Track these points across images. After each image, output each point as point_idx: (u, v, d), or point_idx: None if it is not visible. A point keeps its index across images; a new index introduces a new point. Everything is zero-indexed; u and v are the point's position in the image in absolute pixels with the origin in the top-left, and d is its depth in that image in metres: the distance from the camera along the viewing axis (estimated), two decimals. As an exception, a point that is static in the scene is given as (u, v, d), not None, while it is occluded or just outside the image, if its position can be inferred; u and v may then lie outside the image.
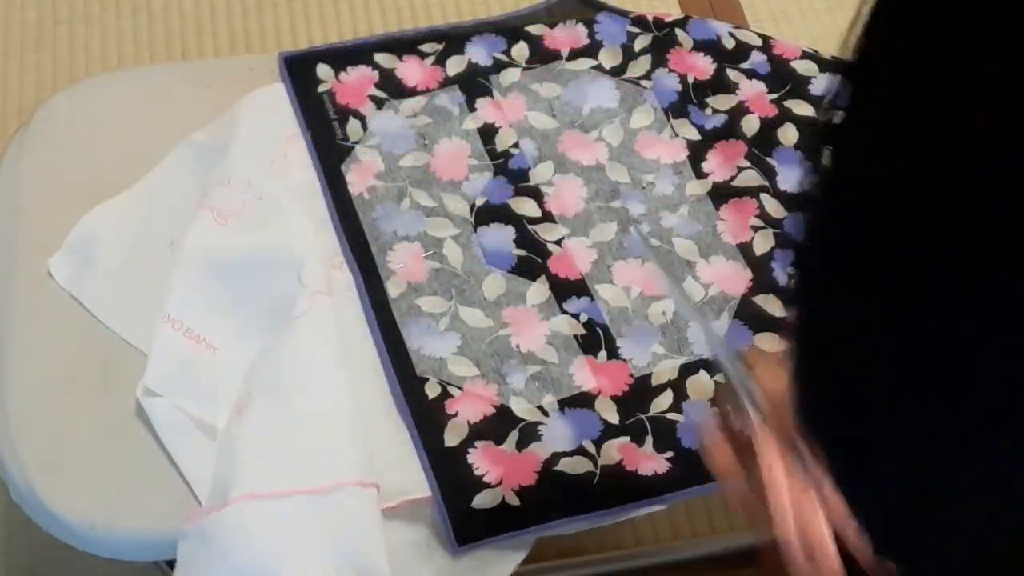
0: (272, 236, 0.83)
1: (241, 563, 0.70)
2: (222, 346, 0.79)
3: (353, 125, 0.92)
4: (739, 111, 0.94)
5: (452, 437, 0.77)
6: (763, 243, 0.87)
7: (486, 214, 0.88)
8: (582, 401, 0.79)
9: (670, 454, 0.77)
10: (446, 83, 0.94)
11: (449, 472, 0.76)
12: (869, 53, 0.31)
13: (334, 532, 0.70)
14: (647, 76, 0.96)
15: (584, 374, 0.81)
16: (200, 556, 0.71)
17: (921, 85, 0.29)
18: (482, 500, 0.74)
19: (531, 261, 0.86)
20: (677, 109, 0.94)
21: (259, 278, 0.81)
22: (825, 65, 0.97)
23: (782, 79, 0.96)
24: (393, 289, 0.84)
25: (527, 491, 0.75)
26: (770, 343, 0.82)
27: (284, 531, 0.70)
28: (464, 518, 0.74)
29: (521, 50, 0.97)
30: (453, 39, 0.97)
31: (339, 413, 0.76)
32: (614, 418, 0.79)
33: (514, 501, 0.74)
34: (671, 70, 0.96)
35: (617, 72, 0.96)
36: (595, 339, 0.82)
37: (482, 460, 0.76)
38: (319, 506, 0.71)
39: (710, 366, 0.81)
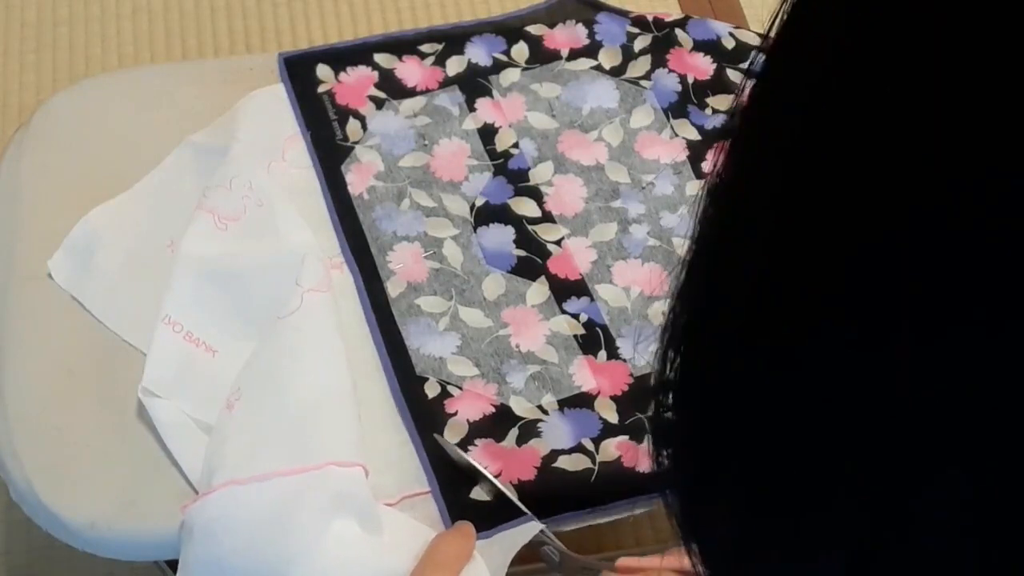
0: (272, 242, 0.83)
1: (226, 549, 0.69)
2: (222, 349, 0.79)
3: (353, 125, 0.92)
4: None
5: (451, 435, 0.77)
6: (763, 243, 0.87)
7: (486, 214, 0.88)
8: (582, 401, 0.80)
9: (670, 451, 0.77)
10: (446, 83, 0.95)
11: (448, 468, 0.76)
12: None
13: (317, 511, 0.69)
14: (647, 76, 0.96)
15: (584, 374, 0.81)
16: (187, 547, 0.70)
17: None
18: (480, 492, 0.75)
19: (531, 261, 0.86)
20: (677, 109, 0.94)
21: (259, 283, 0.81)
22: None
23: (782, 79, 0.96)
24: (393, 289, 0.84)
25: (526, 485, 0.75)
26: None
27: (266, 514, 0.70)
28: (462, 510, 0.74)
29: (521, 50, 0.97)
30: (453, 39, 0.97)
31: (325, 401, 0.75)
32: (613, 418, 0.79)
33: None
34: (671, 70, 0.96)
35: (617, 72, 0.96)
36: (595, 339, 0.82)
37: (482, 456, 0.76)
38: (301, 486, 0.70)
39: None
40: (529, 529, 0.73)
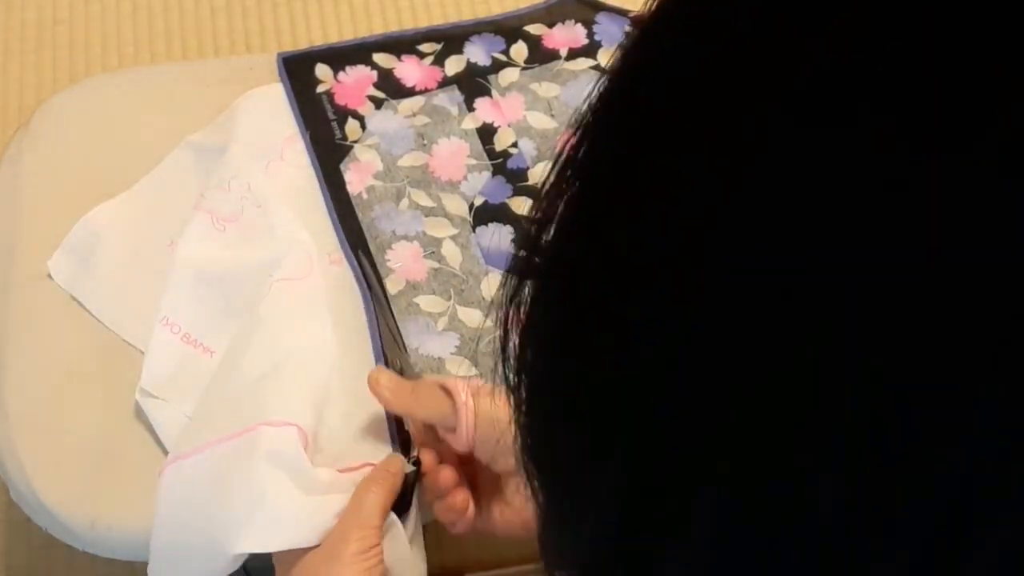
0: (269, 244, 0.83)
1: (179, 522, 0.69)
2: (219, 350, 0.79)
3: (352, 125, 0.92)
4: (738, 111, 0.94)
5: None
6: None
7: (485, 214, 0.88)
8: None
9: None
10: (445, 83, 0.95)
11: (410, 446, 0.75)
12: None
13: (249, 473, 0.68)
14: (646, 76, 0.96)
15: (582, 373, 0.81)
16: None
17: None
18: None
19: (530, 261, 0.86)
20: (676, 109, 0.94)
21: (256, 284, 0.81)
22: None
23: (781, 79, 0.96)
24: (391, 287, 0.84)
25: None
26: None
27: (206, 484, 0.69)
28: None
29: (520, 50, 0.97)
30: (452, 39, 0.97)
31: (271, 374, 0.74)
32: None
33: None
34: (670, 70, 0.96)
35: (616, 72, 0.96)
36: (594, 339, 0.82)
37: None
38: (234, 451, 0.69)
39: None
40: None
